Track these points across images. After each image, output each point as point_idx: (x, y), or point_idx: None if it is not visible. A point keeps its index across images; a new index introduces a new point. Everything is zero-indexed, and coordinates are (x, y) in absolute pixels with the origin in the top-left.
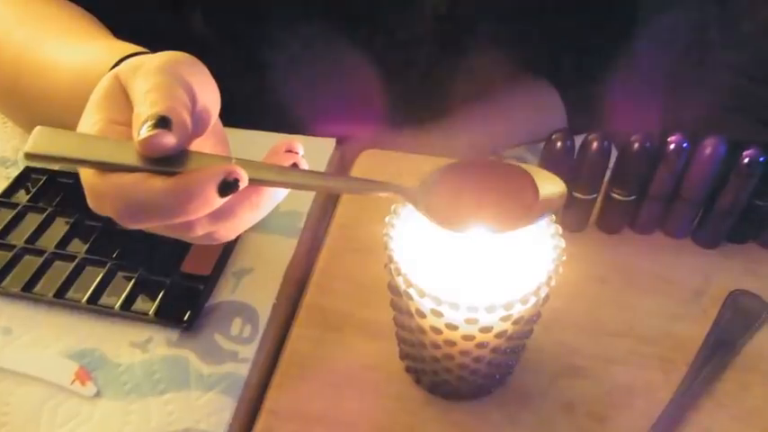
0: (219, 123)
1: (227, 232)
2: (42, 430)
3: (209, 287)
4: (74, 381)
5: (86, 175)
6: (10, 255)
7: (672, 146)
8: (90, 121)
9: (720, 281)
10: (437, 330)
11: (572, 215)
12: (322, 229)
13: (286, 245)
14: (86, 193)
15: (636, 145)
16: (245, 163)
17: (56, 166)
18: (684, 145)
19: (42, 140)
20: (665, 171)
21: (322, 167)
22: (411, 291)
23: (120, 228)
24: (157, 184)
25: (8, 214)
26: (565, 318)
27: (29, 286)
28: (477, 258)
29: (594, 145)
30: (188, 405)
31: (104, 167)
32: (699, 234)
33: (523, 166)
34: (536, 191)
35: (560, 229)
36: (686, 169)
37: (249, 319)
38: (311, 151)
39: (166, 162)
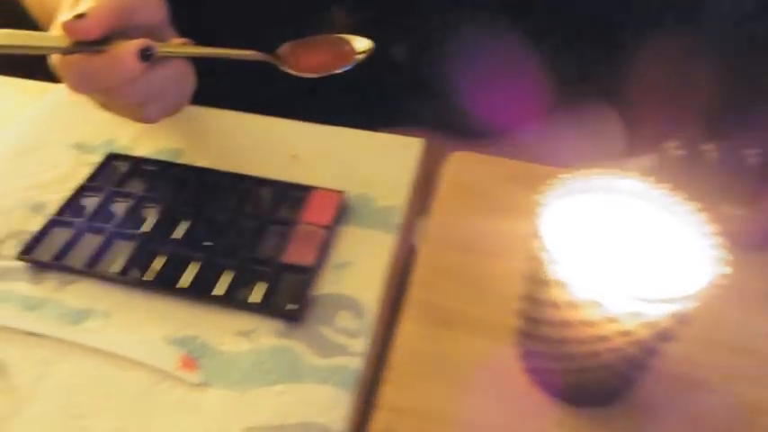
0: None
1: (156, 105)
2: (150, 416)
3: (313, 278)
4: (179, 367)
5: (53, 59)
6: (101, 239)
7: None
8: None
9: None
10: (590, 324)
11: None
12: (419, 224)
13: (384, 239)
14: (58, 73)
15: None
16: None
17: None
18: None
19: (5, 37)
20: None
21: (410, 167)
22: (565, 280)
23: (219, 217)
24: (95, 58)
25: (96, 200)
26: (692, 329)
27: (125, 270)
28: (628, 254)
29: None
30: (303, 397)
31: (56, 51)
32: None
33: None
34: (351, 47)
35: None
36: None
37: (355, 312)
38: (398, 150)
39: (97, 44)
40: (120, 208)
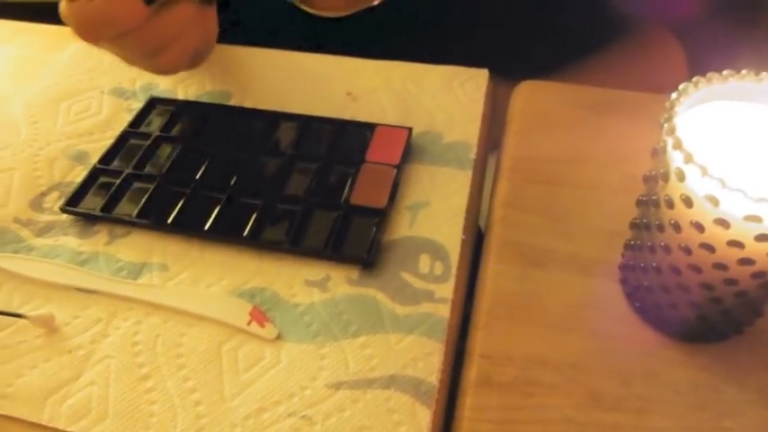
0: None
1: (170, 53)
2: (225, 374)
3: (385, 220)
4: (250, 321)
5: (61, 7)
6: (151, 187)
7: None
8: None
9: None
10: (738, 244)
11: None
12: (492, 159)
13: (458, 176)
14: (66, 21)
15: None
16: None
17: None
18: None
19: None
20: None
21: (478, 100)
22: (713, 192)
23: (275, 160)
24: (95, 2)
25: (141, 146)
26: None
27: (177, 219)
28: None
29: None
30: (388, 349)
31: None
32: None
33: None
34: None
35: None
36: None
37: (438, 255)
38: (462, 82)
39: None
40: (167, 154)
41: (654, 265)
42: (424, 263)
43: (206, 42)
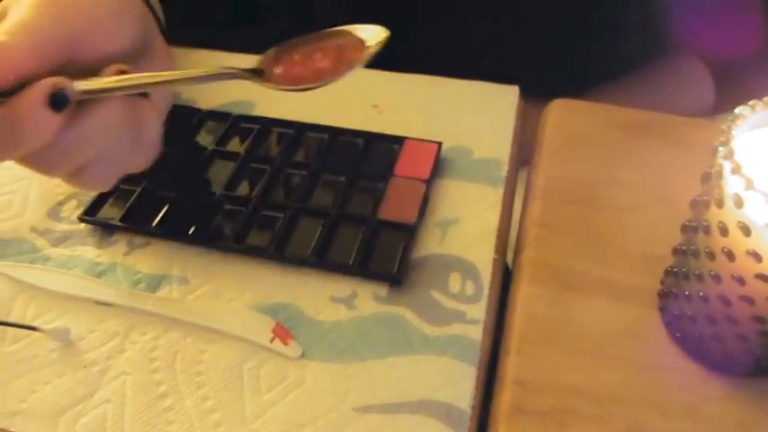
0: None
1: (95, 170)
2: (247, 394)
3: (414, 237)
4: (273, 339)
5: None
6: (172, 196)
7: None
8: None
9: None
10: None
11: None
12: (524, 177)
13: (490, 193)
14: None
15: None
16: (79, 80)
17: None
18: None
19: None
20: None
21: (509, 116)
22: (754, 224)
23: (301, 171)
24: None
25: (163, 155)
26: None
27: (198, 232)
28: None
29: None
30: (418, 371)
31: None
32: None
33: (348, 28)
34: (361, 42)
35: None
36: None
37: (469, 274)
38: (492, 98)
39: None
40: (190, 164)
41: (700, 294)
42: (455, 282)
43: (151, 146)
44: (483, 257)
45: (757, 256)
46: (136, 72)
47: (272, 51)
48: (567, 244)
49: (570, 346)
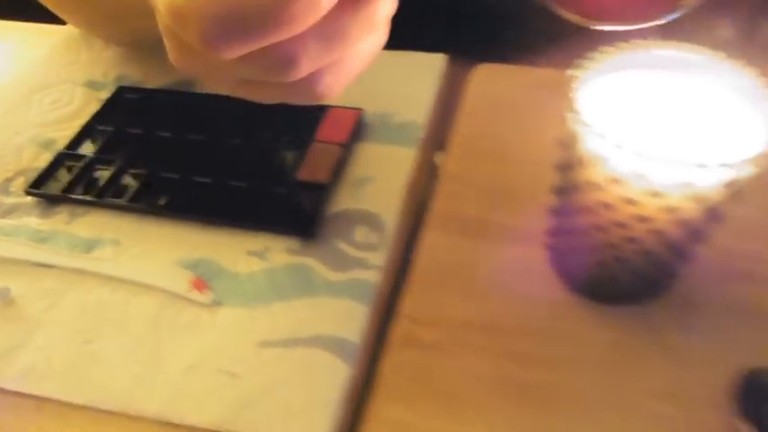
0: None
1: (334, 74)
2: (162, 337)
3: (329, 195)
4: (190, 289)
5: (167, 4)
6: (111, 170)
7: None
8: None
9: None
10: (631, 202)
11: None
12: (443, 139)
13: (405, 154)
14: (162, 30)
15: None
16: None
17: None
18: None
19: None
20: None
21: (432, 83)
22: (603, 149)
23: (231, 140)
24: None
25: (106, 132)
26: (738, 224)
27: (134, 199)
28: (677, 127)
29: None
30: (317, 311)
31: None
32: None
33: None
34: None
35: None
36: None
37: (374, 226)
38: (419, 67)
39: None
40: (130, 139)
41: (568, 227)
42: (361, 233)
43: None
44: (388, 210)
45: (591, 185)
46: None
47: None
48: (472, 195)
49: (462, 286)
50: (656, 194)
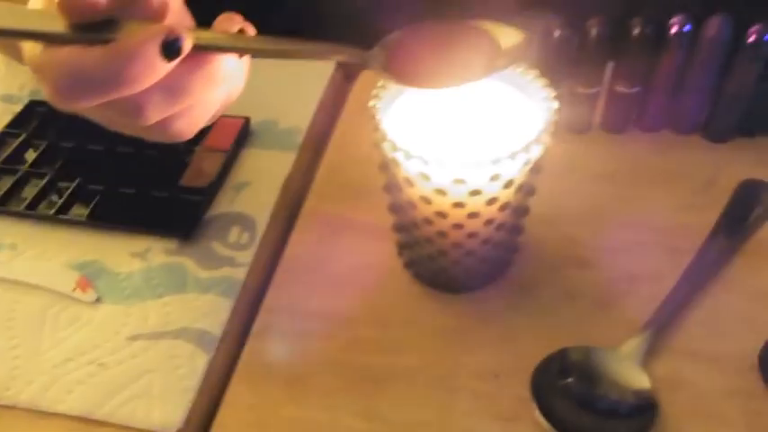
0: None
1: (184, 119)
2: (45, 333)
3: (208, 199)
4: (75, 288)
5: (27, 50)
6: (14, 178)
7: (674, 29)
8: None
9: (731, 173)
10: (426, 200)
11: (575, 113)
12: (322, 142)
13: (285, 159)
14: (35, 73)
15: (636, 30)
16: (189, 30)
17: None
18: (686, 28)
19: None
20: (667, 57)
21: (317, 90)
22: (397, 155)
23: (121, 150)
24: (95, 51)
25: (14, 143)
26: (569, 213)
27: (32, 206)
28: (467, 124)
29: (594, 32)
30: (185, 306)
31: (36, 38)
32: (707, 127)
33: (479, 23)
34: (496, 44)
35: (552, 92)
36: (690, 55)
37: (247, 227)
38: (309, 75)
39: (99, 30)
40: (35, 150)
41: (398, 223)
42: (234, 234)
43: (231, 99)
44: (262, 212)
45: (408, 181)
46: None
47: (394, 36)
48: (341, 196)
49: (320, 279)
50: (441, 192)
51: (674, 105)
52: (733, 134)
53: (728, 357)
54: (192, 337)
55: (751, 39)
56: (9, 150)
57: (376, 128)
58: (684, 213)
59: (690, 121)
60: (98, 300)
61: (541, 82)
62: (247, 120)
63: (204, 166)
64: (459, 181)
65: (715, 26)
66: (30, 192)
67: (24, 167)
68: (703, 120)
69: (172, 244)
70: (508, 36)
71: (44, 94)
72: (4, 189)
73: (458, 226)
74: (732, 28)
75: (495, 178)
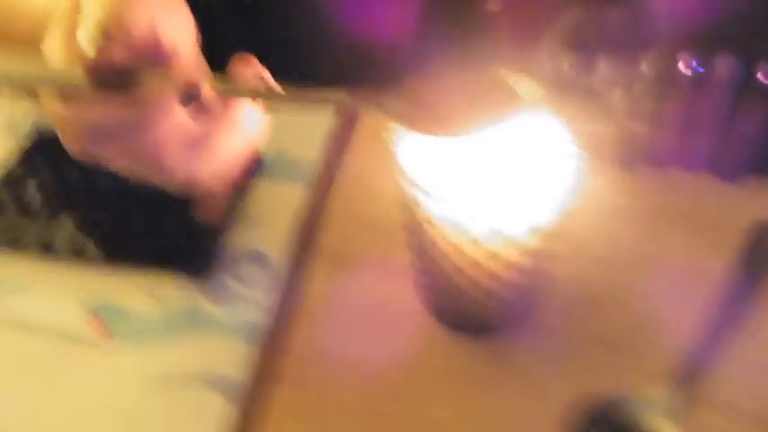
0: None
1: (206, 164)
2: (56, 377)
3: (221, 235)
4: (88, 330)
5: (49, 105)
6: (25, 216)
7: (682, 68)
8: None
9: (745, 213)
10: (458, 250)
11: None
12: (333, 176)
13: (295, 190)
14: (54, 125)
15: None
16: (205, 76)
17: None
18: (694, 64)
19: None
20: (676, 97)
21: (326, 120)
22: (423, 197)
23: (132, 186)
24: (116, 100)
25: (22, 179)
26: (586, 250)
27: (42, 244)
28: (494, 178)
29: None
30: (204, 349)
31: (57, 90)
32: (719, 167)
33: (495, 70)
34: (513, 91)
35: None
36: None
37: (262, 265)
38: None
39: (117, 80)
40: (44, 186)
41: (421, 265)
42: (250, 271)
43: (251, 146)
44: (277, 249)
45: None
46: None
47: (410, 82)
48: (355, 232)
49: (340, 321)
50: (474, 242)
51: (684, 145)
52: (744, 174)
53: (759, 410)
54: (213, 383)
55: (763, 78)
56: (17, 186)
57: (397, 167)
58: (701, 255)
59: (700, 162)
60: (111, 340)
61: (561, 126)
62: (259, 152)
63: (215, 200)
64: (496, 232)
65: (725, 65)
66: (40, 230)
67: (34, 205)
68: (715, 160)
69: (185, 281)
70: (522, 83)
71: (67, 148)
72: (14, 227)
73: (490, 274)
74: (743, 67)
75: (531, 228)
